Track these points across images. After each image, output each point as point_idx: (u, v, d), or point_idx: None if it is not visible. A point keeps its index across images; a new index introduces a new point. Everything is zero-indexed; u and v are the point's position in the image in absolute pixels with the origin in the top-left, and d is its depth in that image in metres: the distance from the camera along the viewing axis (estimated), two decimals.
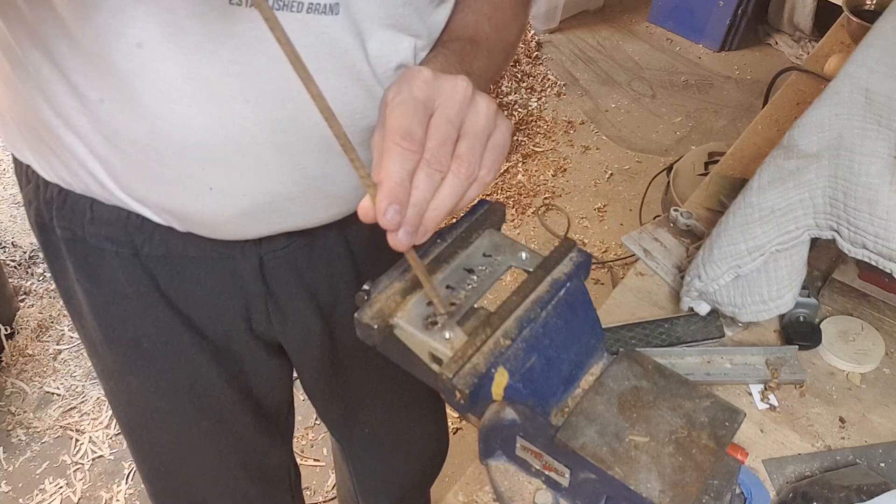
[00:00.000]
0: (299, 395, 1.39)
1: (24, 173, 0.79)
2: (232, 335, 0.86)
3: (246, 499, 1.05)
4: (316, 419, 1.92)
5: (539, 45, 3.29)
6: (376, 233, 0.86)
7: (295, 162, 0.69)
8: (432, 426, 1.20)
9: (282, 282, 0.83)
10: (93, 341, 0.88)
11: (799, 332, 0.92)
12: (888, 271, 0.81)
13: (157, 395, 0.89)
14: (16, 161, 0.80)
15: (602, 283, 2.32)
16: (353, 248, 0.85)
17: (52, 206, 0.76)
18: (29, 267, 2.22)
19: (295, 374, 1.02)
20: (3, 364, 2.00)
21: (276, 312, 0.86)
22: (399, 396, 1.09)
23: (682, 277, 0.97)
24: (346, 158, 0.50)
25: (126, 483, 1.80)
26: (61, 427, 1.89)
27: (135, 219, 0.74)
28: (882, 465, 0.82)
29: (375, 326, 0.60)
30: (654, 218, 1.16)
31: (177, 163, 0.66)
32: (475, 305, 0.63)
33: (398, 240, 0.51)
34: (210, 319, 0.84)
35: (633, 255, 1.06)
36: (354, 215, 0.78)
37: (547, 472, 0.65)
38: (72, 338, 2.10)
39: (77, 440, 1.87)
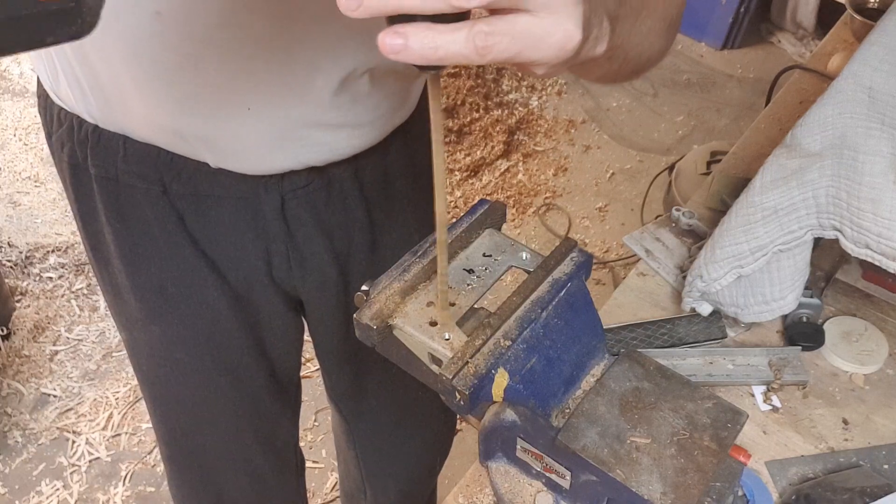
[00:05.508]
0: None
1: (57, 116, 0.82)
2: (252, 283, 0.90)
3: (256, 473, 1.08)
4: (315, 420, 1.92)
5: None
6: (387, 178, 0.89)
7: (325, 86, 0.73)
8: (439, 405, 1.21)
9: (301, 223, 0.86)
10: (118, 288, 0.91)
11: (802, 333, 0.92)
12: (892, 271, 0.81)
13: (177, 345, 0.93)
14: (47, 106, 0.83)
15: (603, 284, 2.32)
16: (367, 194, 0.89)
17: (86, 146, 0.79)
18: (25, 267, 2.21)
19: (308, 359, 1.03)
20: (0, 365, 1.99)
21: (295, 257, 0.89)
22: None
23: (684, 278, 0.96)
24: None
25: (123, 485, 1.79)
26: (58, 429, 1.89)
27: (165, 155, 0.78)
28: (885, 466, 0.81)
29: (374, 327, 0.59)
30: (656, 218, 1.15)
31: (217, 81, 0.69)
32: (475, 306, 0.63)
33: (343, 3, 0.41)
34: (233, 263, 0.87)
35: (635, 255, 1.06)
36: (367, 153, 0.83)
37: (548, 474, 0.64)
38: (68, 339, 2.09)
39: (74, 442, 1.86)
